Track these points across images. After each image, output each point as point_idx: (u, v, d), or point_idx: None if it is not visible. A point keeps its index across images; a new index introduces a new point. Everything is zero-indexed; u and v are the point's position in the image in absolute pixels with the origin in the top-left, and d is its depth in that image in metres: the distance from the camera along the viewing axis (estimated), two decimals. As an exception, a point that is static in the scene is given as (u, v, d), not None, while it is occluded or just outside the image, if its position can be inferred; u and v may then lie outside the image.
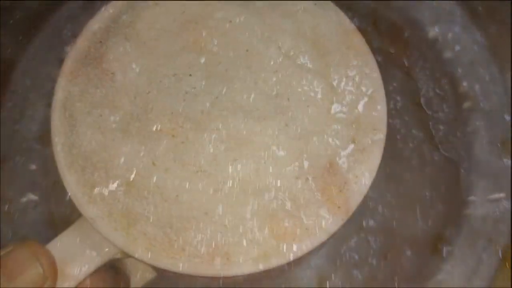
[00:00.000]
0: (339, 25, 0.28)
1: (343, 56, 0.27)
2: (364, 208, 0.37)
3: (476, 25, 0.40)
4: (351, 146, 0.26)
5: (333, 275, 0.42)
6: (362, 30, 0.31)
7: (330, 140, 0.25)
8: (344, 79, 0.27)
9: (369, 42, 0.30)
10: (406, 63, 0.44)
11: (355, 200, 0.26)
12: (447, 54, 0.40)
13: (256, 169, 0.24)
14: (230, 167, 0.24)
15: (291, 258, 0.24)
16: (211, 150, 0.24)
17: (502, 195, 0.36)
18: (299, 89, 0.26)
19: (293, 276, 0.36)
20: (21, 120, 0.37)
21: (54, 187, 0.36)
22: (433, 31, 0.40)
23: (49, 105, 0.27)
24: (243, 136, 0.24)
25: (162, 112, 0.25)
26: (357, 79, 0.27)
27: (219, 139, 0.24)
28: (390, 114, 0.28)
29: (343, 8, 0.32)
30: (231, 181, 0.24)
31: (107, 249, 0.25)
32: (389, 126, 0.27)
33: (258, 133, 0.24)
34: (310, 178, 0.25)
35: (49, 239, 0.35)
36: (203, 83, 0.25)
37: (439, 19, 0.40)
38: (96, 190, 0.25)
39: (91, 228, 0.25)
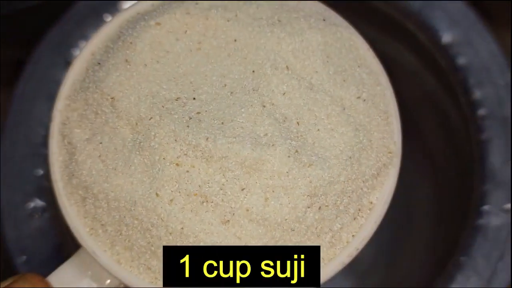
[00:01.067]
0: (350, 42, 0.27)
1: (355, 74, 0.26)
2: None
3: (490, 30, 0.39)
4: (367, 172, 0.24)
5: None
6: (371, 34, 0.30)
7: (343, 166, 0.24)
8: (356, 101, 0.25)
9: (375, 44, 0.29)
10: (416, 67, 0.43)
11: (371, 227, 0.25)
12: (461, 60, 0.39)
13: (265, 198, 0.23)
14: (238, 196, 0.23)
15: (303, 292, 0.23)
16: (218, 179, 0.23)
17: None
18: (310, 112, 0.24)
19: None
20: (28, 124, 0.37)
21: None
22: (447, 36, 0.39)
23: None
24: (251, 164, 0.23)
25: (165, 139, 0.23)
26: (370, 99, 0.26)
27: (226, 167, 0.23)
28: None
29: (351, 11, 0.31)
30: (239, 212, 0.23)
31: (108, 281, 0.25)
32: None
33: (267, 161, 0.23)
34: (322, 207, 0.23)
35: (56, 245, 0.35)
36: (208, 108, 0.24)
37: (452, 23, 0.39)
38: (97, 221, 0.24)
39: (92, 259, 0.24)
